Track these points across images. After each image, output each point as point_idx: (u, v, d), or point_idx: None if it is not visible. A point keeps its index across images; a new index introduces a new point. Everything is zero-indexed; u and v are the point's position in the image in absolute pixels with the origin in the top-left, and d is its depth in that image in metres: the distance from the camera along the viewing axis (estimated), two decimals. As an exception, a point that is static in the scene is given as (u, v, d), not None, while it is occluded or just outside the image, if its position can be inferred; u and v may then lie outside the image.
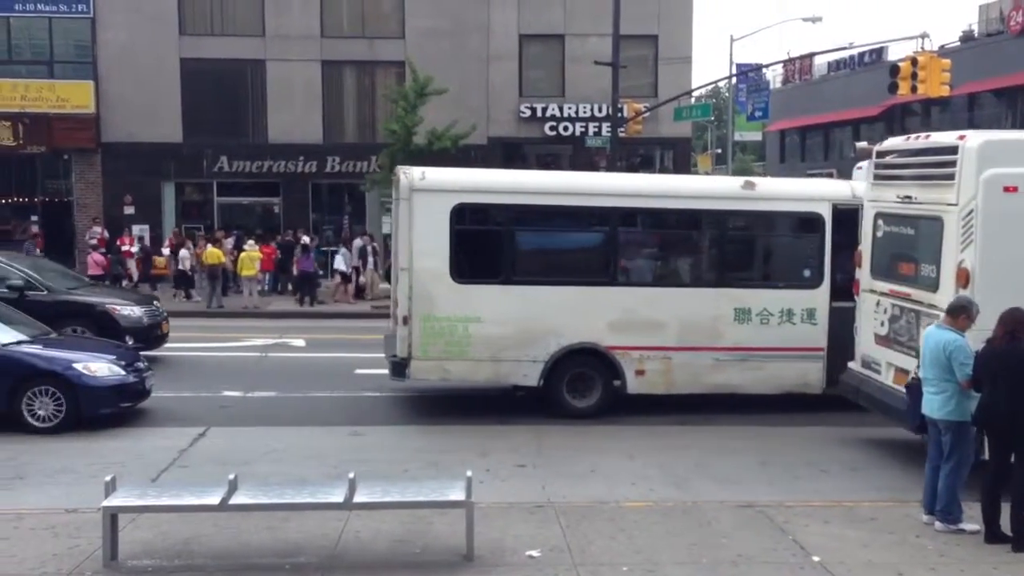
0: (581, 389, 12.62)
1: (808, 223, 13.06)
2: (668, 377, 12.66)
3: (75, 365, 11.63)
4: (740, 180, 13.67)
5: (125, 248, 27.06)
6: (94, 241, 27.00)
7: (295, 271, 25.59)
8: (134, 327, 15.80)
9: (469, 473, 7.58)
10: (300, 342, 18.58)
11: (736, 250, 13.41)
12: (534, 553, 7.52)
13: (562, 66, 31.19)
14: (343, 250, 25.67)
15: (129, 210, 29.38)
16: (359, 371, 15.47)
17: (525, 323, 12.29)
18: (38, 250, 26.71)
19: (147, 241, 28.25)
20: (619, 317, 12.49)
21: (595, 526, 8.17)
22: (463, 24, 30.41)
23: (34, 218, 29.65)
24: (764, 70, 39.92)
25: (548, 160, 31.23)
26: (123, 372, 11.93)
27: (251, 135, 30.53)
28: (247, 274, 24.21)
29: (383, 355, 13.32)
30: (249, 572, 7.17)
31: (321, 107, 30.50)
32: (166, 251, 26.87)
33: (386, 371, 15.30)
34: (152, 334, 16.21)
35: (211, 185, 30.57)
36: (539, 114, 30.82)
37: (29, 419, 11.35)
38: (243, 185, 30.76)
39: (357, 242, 26.05)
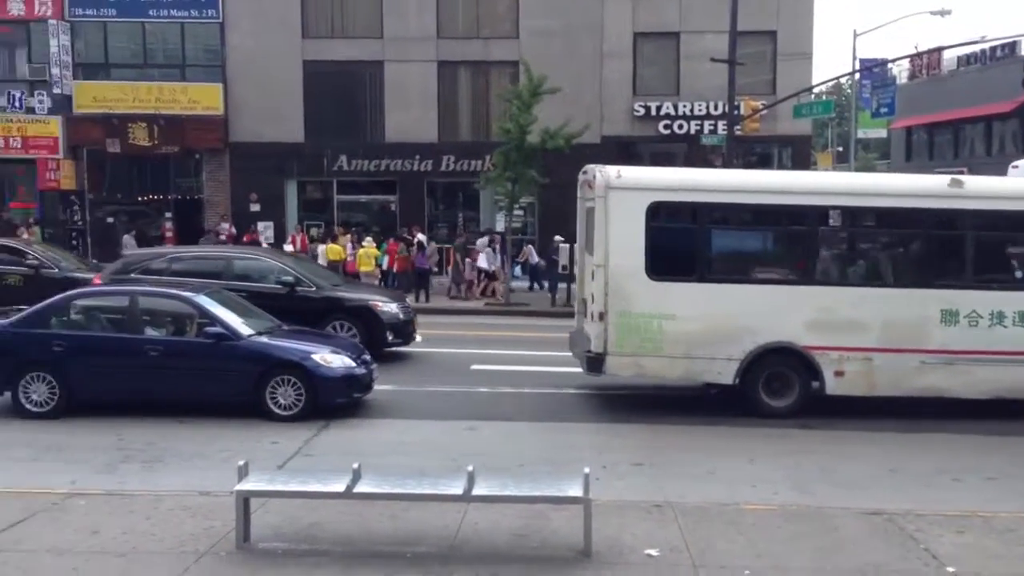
0: (778, 389, 12.45)
1: (1021, 222, 12.63)
2: (869, 379, 12.38)
3: (313, 356, 11.97)
4: (946, 178, 13.18)
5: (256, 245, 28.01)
6: (223, 237, 28.05)
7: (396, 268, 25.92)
8: (392, 323, 16.10)
9: (587, 470, 7.58)
10: (417, 337, 18.86)
11: (943, 250, 12.98)
12: (653, 552, 7.47)
13: (677, 64, 30.83)
14: (487, 249, 25.92)
15: (255, 207, 30.44)
16: (475, 367, 15.64)
17: (720, 321, 12.23)
18: (169, 246, 27.88)
19: (272, 237, 29.23)
20: (818, 317, 12.30)
21: (715, 528, 8.06)
22: (577, 23, 30.39)
23: (167, 215, 31.01)
24: (889, 65, 38.57)
25: (662, 159, 30.90)
26: (354, 364, 12.26)
27: (369, 135, 31.20)
28: (365, 270, 24.78)
29: (523, 352, 13.36)
30: (372, 559, 7.33)
31: (437, 107, 30.94)
32: (289, 247, 27.70)
33: (499, 367, 15.62)
34: (406, 330, 16.46)
35: (331, 183, 31.39)
36: (653, 112, 30.54)
37: (272, 407, 11.76)
38: (361, 183, 31.47)
39: (483, 241, 26.27)
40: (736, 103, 26.52)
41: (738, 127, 27.11)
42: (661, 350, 12.26)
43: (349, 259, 25.80)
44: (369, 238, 26.34)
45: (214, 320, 12.06)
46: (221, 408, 11.87)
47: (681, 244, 12.70)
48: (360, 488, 7.65)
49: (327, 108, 30.71)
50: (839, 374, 12.32)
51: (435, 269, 26.91)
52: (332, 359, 12.09)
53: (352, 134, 30.98)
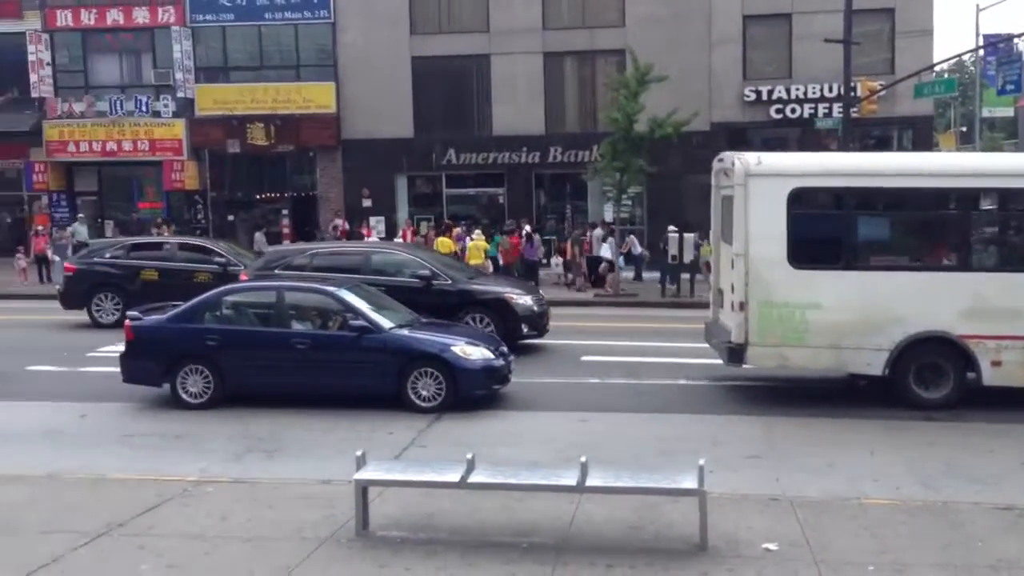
0: (931, 380, 12.02)
1: None
2: None
3: (453, 348, 12.13)
4: None
5: (368, 239, 28.58)
6: (336, 232, 28.75)
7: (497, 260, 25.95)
8: (527, 315, 16.15)
9: (701, 461, 7.49)
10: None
11: None
12: (771, 546, 7.34)
13: (789, 46, 30.02)
14: (610, 239, 25.89)
15: (367, 202, 31.09)
16: (585, 358, 15.62)
17: (868, 310, 11.90)
18: (286, 242, 28.75)
19: (383, 232, 29.83)
20: (974, 305, 11.84)
21: (836, 522, 7.86)
22: (684, 9, 29.92)
23: (284, 212, 31.98)
24: (1015, 40, 36.67)
25: (775, 144, 30.18)
26: (492, 356, 12.36)
27: (477, 128, 31.45)
28: (475, 263, 24.98)
29: (634, 343, 13.26)
30: (487, 548, 7.42)
31: (543, 98, 30.96)
32: (399, 240, 28.19)
33: (609, 358, 15.56)
34: (540, 322, 16.45)
35: (440, 177, 31.79)
36: (764, 97, 29.83)
37: (413, 399, 11.99)
38: (469, 176, 31.77)
39: (598, 232, 26.15)
40: (852, 84, 25.67)
41: (855, 109, 26.23)
42: (805, 340, 11.95)
43: (458, 252, 26.06)
44: (479, 231, 26.58)
45: (357, 314, 12.32)
46: (364, 400, 12.08)
47: (825, 231, 12.40)
48: (474, 478, 7.75)
49: (435, 103, 31.11)
50: (996, 364, 11.75)
51: (544, 261, 26.95)
52: (471, 351, 12.20)
53: (460, 128, 31.29)
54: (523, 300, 16.36)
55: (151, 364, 12.45)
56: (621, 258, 26.06)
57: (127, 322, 12.92)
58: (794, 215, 11.96)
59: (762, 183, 12.03)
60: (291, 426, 11.51)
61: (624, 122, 24.43)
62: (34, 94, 31.29)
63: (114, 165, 32.33)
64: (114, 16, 31.59)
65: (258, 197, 32.69)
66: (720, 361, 12.93)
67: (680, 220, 24.83)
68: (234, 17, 31.33)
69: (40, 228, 28.66)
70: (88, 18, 31.64)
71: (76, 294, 19.16)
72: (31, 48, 30.97)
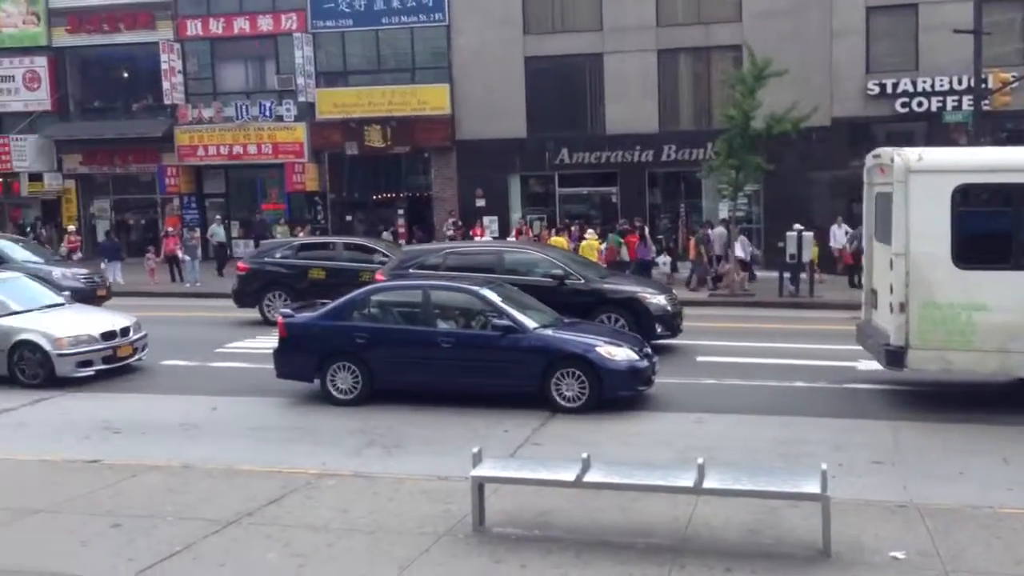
0: None
1: None
2: None
3: (597, 349, 12.06)
4: None
5: (478, 239, 28.91)
6: (451, 232, 29.16)
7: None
8: (661, 315, 15.96)
9: (824, 466, 7.30)
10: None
11: None
12: (898, 555, 7.10)
13: (915, 37, 28.90)
14: (741, 238, 25.54)
15: (480, 202, 31.42)
16: (701, 359, 15.42)
17: None
18: (402, 241, 29.33)
19: (496, 231, 30.10)
20: None
21: (967, 531, 7.55)
22: (803, 1, 29.16)
23: (400, 212, 32.62)
24: None
25: (900, 140, 29.12)
26: (637, 357, 12.25)
27: (589, 127, 31.39)
28: (587, 262, 24.91)
29: (751, 344, 12.99)
30: (603, 548, 7.41)
31: (657, 96, 30.67)
32: (512, 240, 28.38)
33: (726, 358, 15.31)
34: (674, 323, 16.25)
35: (553, 177, 31.86)
36: (889, 90, 28.79)
37: (557, 399, 11.97)
38: (582, 176, 31.74)
39: (718, 230, 25.76)
40: (983, 76, 24.55)
41: (986, 102, 25.09)
42: (971, 343, 11.44)
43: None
44: (591, 230, 26.51)
45: (502, 313, 12.39)
46: (507, 399, 12.15)
47: (994, 229, 11.88)
48: (589, 477, 7.74)
49: (548, 102, 31.18)
50: None
51: (657, 261, 26.69)
52: (615, 352, 12.12)
53: (573, 127, 31.29)
54: (657, 300, 16.15)
55: (303, 360, 12.81)
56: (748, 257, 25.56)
57: (279, 319, 13.37)
58: (959, 213, 11.47)
59: (924, 180, 11.56)
60: (409, 423, 11.73)
61: (740, 119, 23.98)
62: (166, 101, 32.78)
63: (240, 168, 33.59)
64: (240, 24, 32.81)
65: (374, 198, 33.43)
66: (848, 364, 12.56)
67: (803, 219, 24.24)
68: (353, 23, 32.12)
69: (171, 229, 30.00)
70: (216, 27, 32.96)
71: (248, 293, 19.94)
72: (164, 57, 32.44)
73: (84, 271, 22.38)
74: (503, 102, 30.97)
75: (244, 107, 32.43)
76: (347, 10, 32.01)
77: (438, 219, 31.49)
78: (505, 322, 12.27)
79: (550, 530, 7.81)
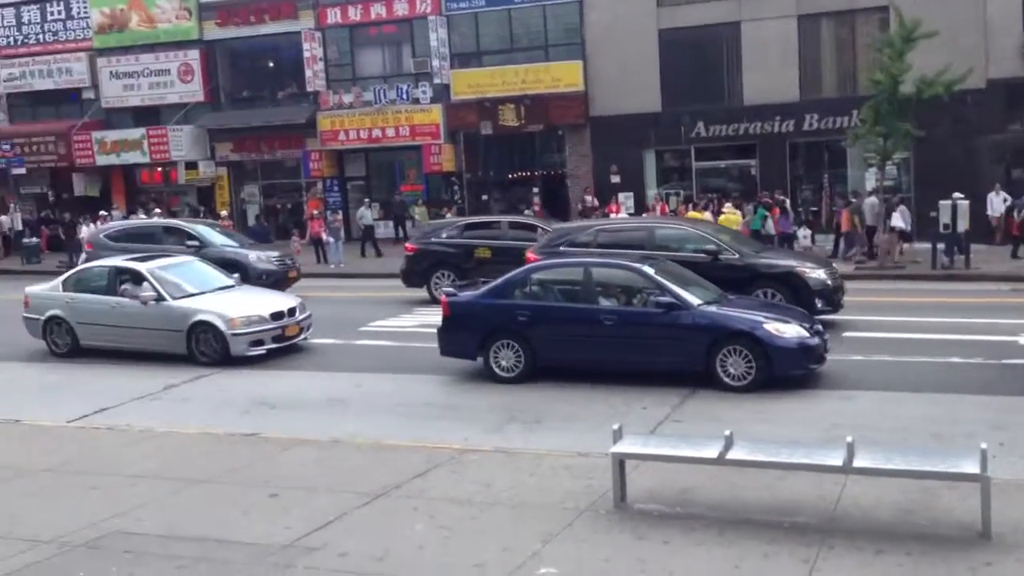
0: None
1: None
2: None
3: (764, 326, 11.76)
4: None
5: (613, 215, 28.76)
6: (580, 208, 29.06)
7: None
8: (820, 289, 15.43)
9: (984, 445, 6.99)
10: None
11: None
12: (1065, 539, 6.74)
13: (1082, -13, 26.95)
14: (901, 207, 24.65)
15: (615, 179, 31.18)
16: (847, 334, 14.89)
17: None
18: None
19: (632, 208, 29.86)
20: None
21: None
22: (955, -43, 27.59)
23: (535, 190, 32.74)
24: None
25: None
26: (807, 334, 11.88)
27: (726, 99, 30.63)
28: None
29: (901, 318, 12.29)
30: (747, 526, 7.32)
31: (797, 64, 29.62)
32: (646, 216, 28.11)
33: (874, 334, 14.80)
34: (835, 297, 15.68)
35: (688, 151, 31.29)
36: (1051, 48, 26.97)
37: (723, 377, 11.75)
38: (719, 149, 31.04)
39: (871, 200, 24.79)
40: None
41: None
42: None
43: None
44: (729, 204, 25.97)
45: (664, 290, 12.22)
46: (671, 377, 12.02)
47: None
48: (733, 455, 7.65)
49: (683, 75, 30.58)
50: None
51: (797, 234, 25.92)
52: (784, 329, 11.78)
53: (709, 99, 30.60)
54: (816, 274, 15.60)
55: (466, 338, 12.98)
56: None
57: (443, 298, 13.54)
58: None
59: None
60: (549, 400, 11.84)
61: (888, 83, 22.91)
62: (309, 88, 33.86)
63: (379, 151, 34.41)
64: (377, 10, 33.51)
65: (510, 177, 33.66)
66: (1008, 338, 11.90)
67: (957, 187, 23.05)
68: (485, 3, 32.31)
69: (315, 212, 31.05)
70: (355, 14, 33.76)
71: (416, 273, 20.23)
72: (305, 46, 33.51)
73: (275, 254, 22.89)
74: (637, 76, 30.57)
75: (382, 91, 33.15)
76: (480, -10, 32.24)
77: (573, 197, 31.45)
78: (667, 299, 12.10)
79: (692, 507, 7.77)
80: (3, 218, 35.85)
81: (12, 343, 16.40)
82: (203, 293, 15.51)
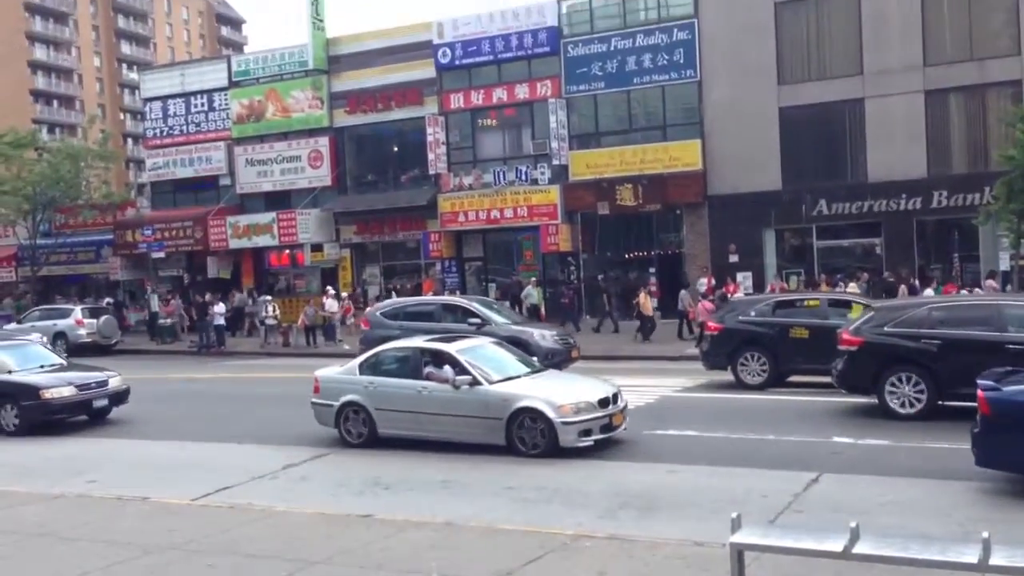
0: None
1: None
2: None
3: None
4: None
5: (731, 296, 28.29)
6: (703, 289, 28.79)
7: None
8: None
9: None
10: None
11: None
12: None
13: None
14: None
15: (733, 258, 30.81)
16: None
17: None
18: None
19: (750, 288, 29.33)
20: None
21: None
22: (1093, 27, 26.62)
23: (651, 270, 32.61)
24: None
25: None
26: None
27: (849, 176, 30.11)
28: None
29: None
30: (877, 627, 6.90)
31: (924, 139, 28.95)
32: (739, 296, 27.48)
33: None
34: None
35: (810, 229, 30.73)
36: None
37: None
38: (842, 227, 30.40)
39: (989, 283, 23.62)
40: None
41: None
42: None
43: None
44: (854, 283, 25.23)
45: None
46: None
47: None
48: (859, 549, 7.24)
49: (804, 153, 30.25)
50: None
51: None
52: None
53: (831, 177, 30.13)
54: None
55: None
56: None
57: (980, 392, 10.50)
58: None
59: None
60: (658, 485, 11.57)
61: (1022, 159, 22.11)
62: (431, 171, 34.93)
63: (497, 231, 35.01)
64: (499, 95, 34.52)
65: (626, 256, 33.65)
66: None
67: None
68: (604, 85, 32.87)
69: (430, 294, 31.52)
70: (477, 99, 34.84)
71: (721, 353, 19.04)
72: (429, 130, 34.68)
73: (555, 332, 22.09)
74: (757, 155, 30.39)
75: (501, 172, 33.88)
76: (599, 73, 32.81)
77: (691, 275, 31.16)
78: None
79: (815, 604, 7.38)
80: (153, 299, 37.59)
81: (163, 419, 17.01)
82: (518, 377, 14.05)
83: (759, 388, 18.07)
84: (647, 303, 27.31)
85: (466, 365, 13.83)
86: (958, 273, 27.62)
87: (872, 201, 29.31)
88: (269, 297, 34.01)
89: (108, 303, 38.81)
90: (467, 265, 36.00)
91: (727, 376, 19.09)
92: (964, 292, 23.61)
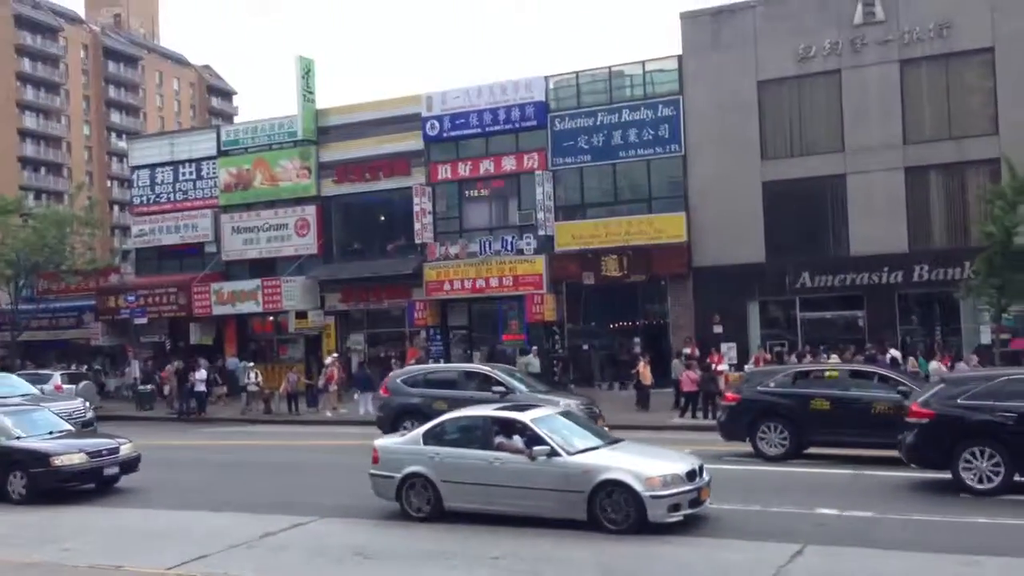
0: None
1: None
2: None
3: None
4: None
5: (715, 367, 28.28)
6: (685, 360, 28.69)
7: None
8: None
9: None
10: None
11: None
12: None
13: None
14: None
15: (717, 329, 30.87)
16: (965, 495, 14.01)
17: None
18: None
19: (735, 359, 29.33)
20: None
21: None
22: (1068, 108, 27.27)
23: (636, 340, 32.63)
24: None
25: None
26: None
27: (832, 249, 30.44)
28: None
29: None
30: None
31: (905, 215, 29.37)
32: (749, 367, 27.48)
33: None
34: None
35: (793, 301, 30.92)
36: None
37: None
38: (825, 299, 30.60)
39: (971, 356, 23.78)
40: None
41: None
42: None
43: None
44: (836, 356, 25.30)
45: None
46: None
47: None
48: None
49: (787, 226, 30.61)
50: None
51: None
52: None
53: (814, 250, 30.46)
54: None
55: None
56: None
57: None
58: None
59: None
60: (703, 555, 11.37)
61: (1001, 235, 22.45)
62: (417, 240, 35.06)
63: (482, 301, 35.04)
64: (486, 166, 34.90)
65: (611, 326, 33.69)
66: None
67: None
68: (591, 158, 33.31)
69: (413, 362, 31.28)
70: (464, 170, 35.21)
71: (739, 424, 18.65)
72: (416, 200, 34.93)
73: (579, 400, 21.21)
74: (740, 228, 30.72)
75: (487, 242, 34.04)
76: (586, 147, 33.28)
77: (675, 346, 31.16)
78: None
79: None
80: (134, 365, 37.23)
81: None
82: (597, 448, 13.20)
83: (779, 460, 17.67)
84: (647, 373, 27.30)
85: (544, 435, 12.98)
86: (940, 346, 27.71)
87: (855, 274, 29.58)
88: (251, 363, 33.71)
89: (87, 370, 38.44)
90: (452, 333, 35.92)
91: (741, 447, 18.65)
92: (961, 365, 23.68)
